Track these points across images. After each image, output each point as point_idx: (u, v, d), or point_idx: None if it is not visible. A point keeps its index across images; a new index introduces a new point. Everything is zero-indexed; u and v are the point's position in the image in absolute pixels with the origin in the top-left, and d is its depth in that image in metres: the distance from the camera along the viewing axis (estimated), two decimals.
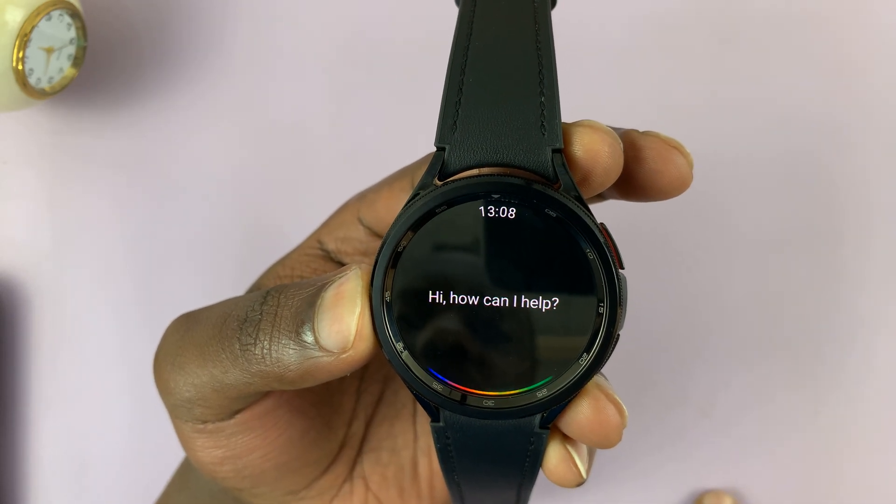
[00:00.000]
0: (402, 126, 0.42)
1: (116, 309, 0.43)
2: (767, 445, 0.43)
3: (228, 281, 0.43)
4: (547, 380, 0.22)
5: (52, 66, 0.38)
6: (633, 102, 0.43)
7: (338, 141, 0.43)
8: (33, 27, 0.35)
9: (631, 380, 0.43)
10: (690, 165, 0.24)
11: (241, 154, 0.43)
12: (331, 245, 0.29)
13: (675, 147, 0.24)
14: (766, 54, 0.43)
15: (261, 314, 0.24)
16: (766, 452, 0.43)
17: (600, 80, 0.43)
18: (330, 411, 0.29)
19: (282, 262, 0.29)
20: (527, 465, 0.24)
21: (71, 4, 0.37)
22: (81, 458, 0.43)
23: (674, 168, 0.24)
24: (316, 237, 0.29)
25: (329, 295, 0.22)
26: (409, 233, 0.22)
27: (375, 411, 0.31)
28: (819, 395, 0.43)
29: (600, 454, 0.43)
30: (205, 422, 0.26)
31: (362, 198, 0.28)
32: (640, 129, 0.25)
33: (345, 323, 0.22)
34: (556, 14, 0.43)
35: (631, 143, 0.24)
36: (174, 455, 0.36)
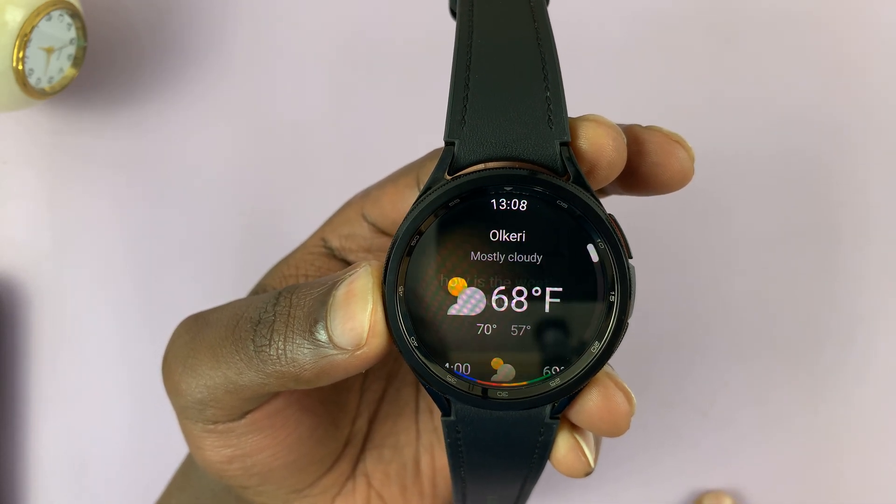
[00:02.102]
0: (402, 125, 0.42)
1: (116, 309, 0.43)
2: (767, 445, 0.43)
3: (228, 281, 0.43)
4: (559, 369, 0.22)
5: (52, 66, 0.38)
6: (632, 101, 0.43)
7: (338, 141, 0.43)
8: (33, 27, 0.35)
9: (630, 379, 0.43)
10: (692, 159, 0.24)
11: (242, 154, 0.43)
12: (335, 242, 0.29)
13: (677, 141, 0.24)
14: (766, 54, 0.43)
15: (274, 315, 0.24)
16: (766, 452, 0.43)
17: (600, 80, 0.43)
18: (336, 409, 0.29)
19: (286, 261, 0.30)
20: (535, 457, 0.24)
21: (71, 4, 0.37)
22: (81, 458, 0.43)
23: (675, 161, 0.24)
24: (320, 235, 0.29)
25: (340, 293, 0.23)
26: (422, 227, 0.22)
27: (378, 409, 0.31)
28: (818, 394, 0.43)
29: (601, 454, 0.43)
30: (215, 422, 0.26)
31: (366, 195, 0.28)
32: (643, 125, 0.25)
33: (357, 320, 0.22)
34: (555, 13, 0.43)
35: (634, 136, 0.24)
36: (174, 455, 0.36)
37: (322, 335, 0.23)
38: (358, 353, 0.22)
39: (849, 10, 0.43)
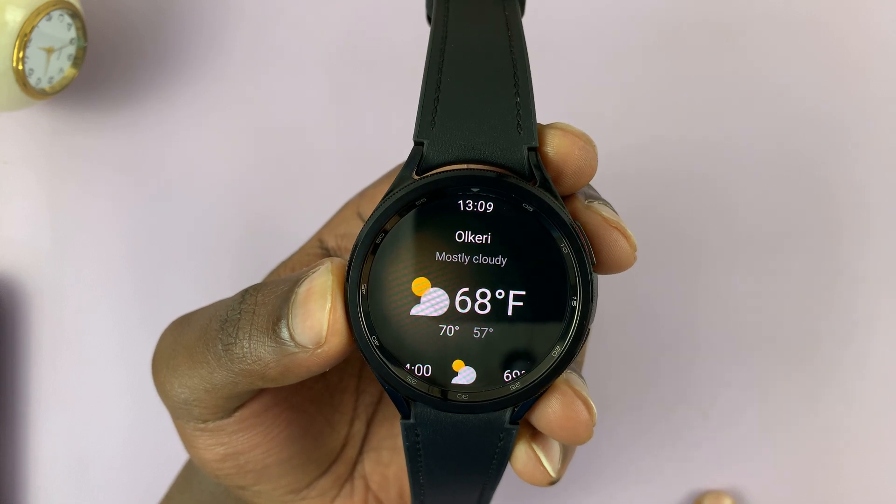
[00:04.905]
0: (401, 125, 0.42)
1: (116, 309, 0.43)
2: (766, 446, 0.43)
3: (227, 281, 0.43)
4: (520, 373, 0.22)
5: (52, 66, 0.38)
6: (633, 100, 0.43)
7: (338, 141, 0.43)
8: (33, 27, 0.35)
9: (631, 380, 0.43)
10: (633, 247, 0.23)
11: (241, 154, 0.43)
12: (331, 242, 0.29)
13: (616, 227, 0.23)
14: (765, 53, 0.43)
15: (239, 313, 0.24)
16: (765, 453, 0.43)
17: (599, 78, 0.43)
18: (331, 409, 0.29)
19: (284, 265, 0.30)
20: (494, 463, 0.24)
21: (71, 4, 0.37)
22: (81, 458, 0.43)
23: (608, 249, 0.23)
24: (318, 236, 0.29)
25: (301, 290, 0.22)
26: (387, 226, 0.22)
27: (376, 411, 0.31)
28: (818, 395, 0.43)
29: (601, 455, 0.43)
30: (205, 421, 0.26)
31: (362, 194, 0.29)
32: (597, 191, 0.25)
33: (316, 318, 0.22)
34: (557, 13, 0.43)
35: (574, 214, 0.23)
36: (174, 455, 0.36)
37: (284, 333, 0.23)
38: (319, 351, 0.22)
39: (849, 10, 0.43)
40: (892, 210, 0.43)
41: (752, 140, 0.43)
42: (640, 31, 0.43)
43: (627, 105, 0.43)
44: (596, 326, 0.41)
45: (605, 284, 0.42)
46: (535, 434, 0.25)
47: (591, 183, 0.25)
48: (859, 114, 0.43)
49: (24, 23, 0.35)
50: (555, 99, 0.42)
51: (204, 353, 0.24)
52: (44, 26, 0.36)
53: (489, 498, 0.26)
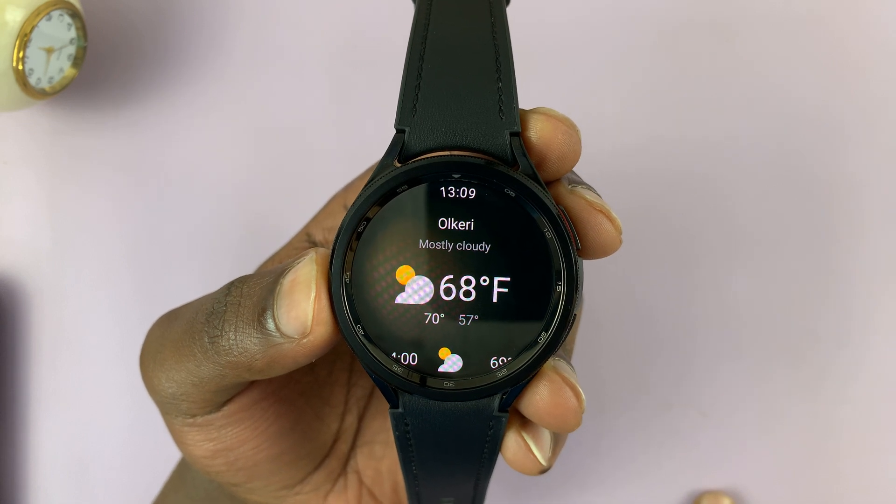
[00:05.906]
0: None
1: (116, 308, 0.43)
2: (766, 445, 0.43)
3: (227, 280, 0.43)
4: (506, 359, 0.22)
5: (52, 66, 0.38)
6: (632, 101, 0.43)
7: (338, 141, 0.43)
8: (33, 27, 0.35)
9: (630, 379, 0.43)
10: (618, 230, 0.23)
11: (241, 153, 0.43)
12: (318, 236, 0.29)
13: (601, 210, 0.23)
14: (765, 53, 0.43)
15: (225, 305, 0.24)
16: (765, 452, 0.43)
17: (599, 78, 0.43)
18: (320, 402, 0.29)
19: (271, 259, 0.30)
20: (485, 452, 0.24)
21: (71, 4, 0.37)
22: (81, 458, 0.43)
23: (594, 233, 0.23)
24: (305, 230, 0.29)
25: (286, 281, 0.22)
26: (370, 214, 0.22)
27: (368, 405, 0.31)
28: (817, 394, 0.43)
29: (600, 454, 0.43)
30: (193, 416, 0.26)
31: (348, 187, 0.29)
32: (585, 179, 0.24)
33: (301, 308, 0.22)
34: (558, 13, 0.43)
35: (556, 199, 0.23)
36: (174, 455, 0.36)
37: (270, 324, 0.23)
38: (304, 341, 0.22)
39: (849, 9, 0.43)
40: (891, 210, 0.43)
41: (752, 140, 0.43)
42: (640, 31, 0.43)
43: (627, 105, 0.43)
44: (596, 325, 0.41)
45: (605, 284, 0.42)
46: (524, 422, 0.24)
47: (581, 173, 0.25)
48: (859, 114, 0.43)
49: (24, 23, 0.35)
50: (555, 99, 0.42)
51: (190, 347, 0.24)
52: (44, 26, 0.36)
53: (484, 487, 0.26)
